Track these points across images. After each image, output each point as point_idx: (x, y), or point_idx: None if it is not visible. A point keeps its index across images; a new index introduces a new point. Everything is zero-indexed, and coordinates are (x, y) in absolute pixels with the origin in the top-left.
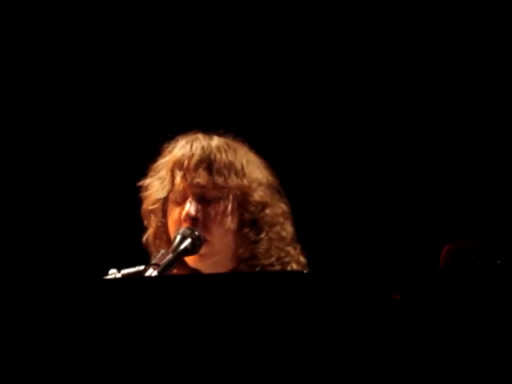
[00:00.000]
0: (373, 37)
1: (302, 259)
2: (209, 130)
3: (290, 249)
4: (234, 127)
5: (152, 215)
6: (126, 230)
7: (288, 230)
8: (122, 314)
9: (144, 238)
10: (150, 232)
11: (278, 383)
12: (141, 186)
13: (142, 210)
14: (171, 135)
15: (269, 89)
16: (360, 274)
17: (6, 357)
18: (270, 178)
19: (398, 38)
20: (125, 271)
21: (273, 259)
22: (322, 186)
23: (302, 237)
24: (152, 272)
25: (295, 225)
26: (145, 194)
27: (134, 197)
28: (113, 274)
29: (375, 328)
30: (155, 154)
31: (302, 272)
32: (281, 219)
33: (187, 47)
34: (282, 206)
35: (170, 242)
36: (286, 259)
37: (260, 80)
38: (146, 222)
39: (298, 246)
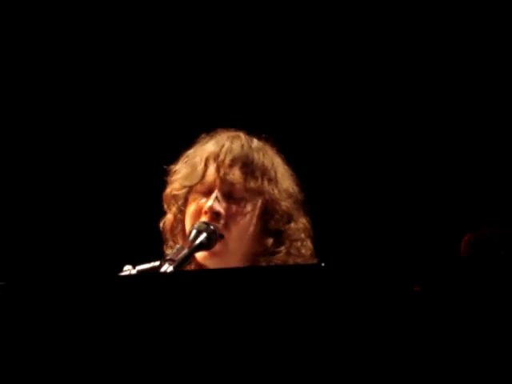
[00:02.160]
0: (375, 37)
1: None
2: (243, 128)
3: None
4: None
5: (173, 201)
6: (140, 226)
7: (308, 246)
8: (138, 311)
9: (161, 223)
10: (168, 218)
11: (300, 375)
12: (168, 170)
13: (165, 194)
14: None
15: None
16: (379, 266)
17: (22, 350)
18: (298, 192)
19: (400, 39)
20: (140, 267)
21: None
22: (340, 174)
23: (319, 227)
24: (168, 267)
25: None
26: (172, 178)
27: (149, 193)
28: (128, 270)
29: (395, 320)
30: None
31: (319, 265)
32: (302, 235)
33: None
34: (304, 222)
35: (184, 232)
36: None
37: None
38: (166, 207)
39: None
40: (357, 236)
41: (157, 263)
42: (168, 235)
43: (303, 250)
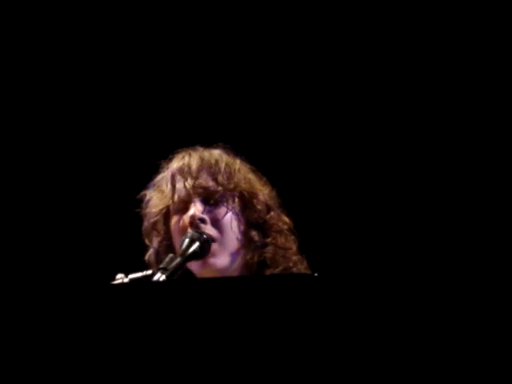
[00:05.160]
0: (373, 38)
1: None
2: (207, 144)
3: (296, 259)
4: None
5: (154, 231)
6: (133, 234)
7: (292, 240)
8: (130, 320)
9: (146, 258)
10: (152, 251)
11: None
12: (140, 202)
13: (144, 228)
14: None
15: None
16: (371, 274)
17: (15, 356)
18: (270, 193)
19: (397, 38)
20: (132, 276)
21: (280, 268)
22: (321, 187)
23: (311, 235)
24: (160, 276)
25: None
26: (145, 210)
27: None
28: (120, 278)
29: (379, 328)
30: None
31: (309, 274)
32: (285, 228)
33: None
34: (285, 219)
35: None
36: (294, 269)
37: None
38: (147, 241)
39: (305, 261)
40: (347, 244)
41: (149, 272)
42: (156, 267)
43: (288, 244)
